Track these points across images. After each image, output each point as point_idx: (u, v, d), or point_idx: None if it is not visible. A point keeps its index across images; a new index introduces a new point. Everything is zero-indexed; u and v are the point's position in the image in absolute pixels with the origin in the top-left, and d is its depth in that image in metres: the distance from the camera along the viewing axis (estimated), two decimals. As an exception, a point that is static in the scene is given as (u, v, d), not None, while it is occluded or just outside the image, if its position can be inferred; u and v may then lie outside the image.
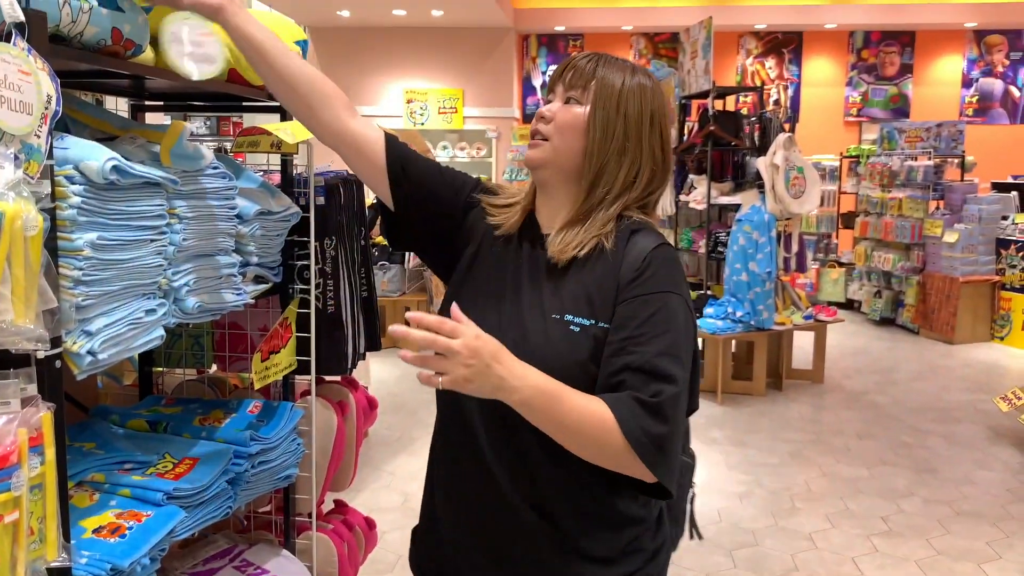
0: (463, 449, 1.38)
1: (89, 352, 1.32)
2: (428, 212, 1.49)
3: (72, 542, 1.29)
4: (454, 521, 1.43)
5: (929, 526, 4.07)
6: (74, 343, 1.30)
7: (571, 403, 1.21)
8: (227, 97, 2.07)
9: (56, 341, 1.25)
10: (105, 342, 1.35)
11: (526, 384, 1.18)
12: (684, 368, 1.26)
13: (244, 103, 2.15)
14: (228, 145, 2.30)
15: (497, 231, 1.44)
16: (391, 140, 1.49)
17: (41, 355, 1.22)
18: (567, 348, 1.29)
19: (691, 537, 1.60)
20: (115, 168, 1.34)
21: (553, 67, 11.29)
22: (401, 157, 1.48)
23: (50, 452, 1.19)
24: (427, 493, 1.52)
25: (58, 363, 1.26)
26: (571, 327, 1.30)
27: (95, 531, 1.44)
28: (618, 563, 1.35)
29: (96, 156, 1.33)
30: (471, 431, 1.35)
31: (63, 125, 1.55)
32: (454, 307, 1.18)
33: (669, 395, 1.22)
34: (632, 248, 1.33)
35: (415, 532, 1.56)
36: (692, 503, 1.57)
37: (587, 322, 1.30)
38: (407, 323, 1.14)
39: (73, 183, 1.30)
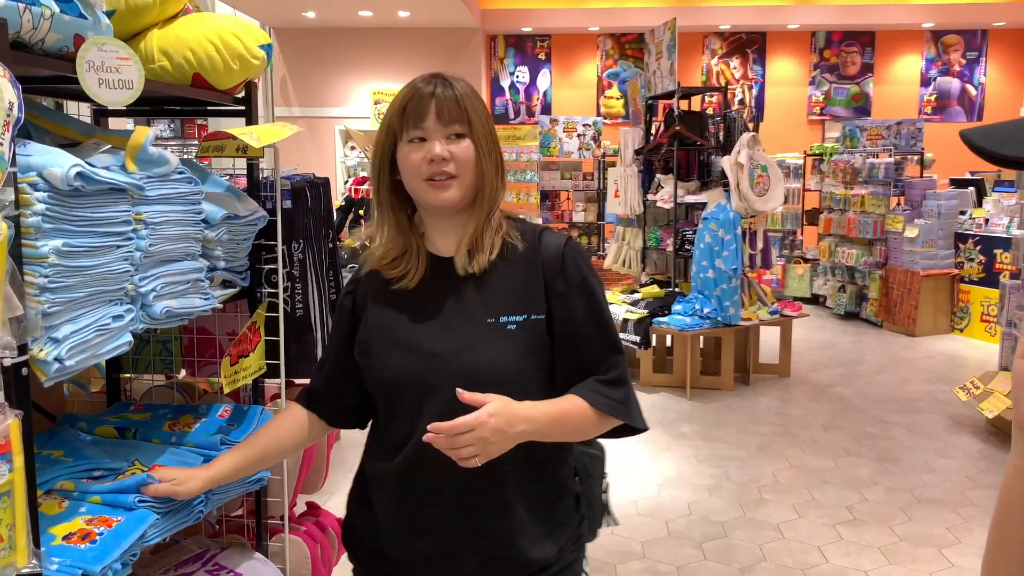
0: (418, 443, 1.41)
1: (56, 359, 1.32)
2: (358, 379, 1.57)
3: (42, 549, 1.29)
4: (402, 497, 1.49)
5: (892, 514, 4.16)
6: (40, 350, 1.30)
7: (567, 414, 1.44)
8: (192, 101, 2.07)
9: (22, 348, 1.26)
10: (72, 349, 1.35)
11: (536, 426, 1.39)
12: (615, 331, 1.54)
13: (209, 107, 2.15)
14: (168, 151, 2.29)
15: (396, 285, 1.50)
16: (310, 408, 1.65)
17: (7, 363, 1.23)
18: (508, 348, 1.44)
19: (607, 524, 1.76)
20: (79, 174, 1.35)
21: (522, 68, 11.26)
22: (323, 405, 1.64)
23: (18, 459, 1.19)
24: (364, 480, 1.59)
25: (24, 370, 1.26)
26: (508, 327, 1.44)
27: (65, 538, 1.44)
28: (553, 535, 1.50)
29: (60, 163, 1.33)
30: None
31: (25, 131, 1.55)
32: (461, 393, 1.32)
33: (619, 364, 1.51)
34: (546, 247, 1.50)
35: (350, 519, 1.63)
36: (607, 492, 1.72)
37: (520, 318, 1.45)
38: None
39: (37, 190, 1.30)
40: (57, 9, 1.42)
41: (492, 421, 1.30)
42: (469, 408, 1.31)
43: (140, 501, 1.58)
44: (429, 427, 1.27)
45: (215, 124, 8.60)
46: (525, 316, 1.45)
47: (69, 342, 1.35)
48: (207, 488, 1.62)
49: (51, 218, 1.32)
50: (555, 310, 1.47)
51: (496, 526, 1.45)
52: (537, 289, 1.47)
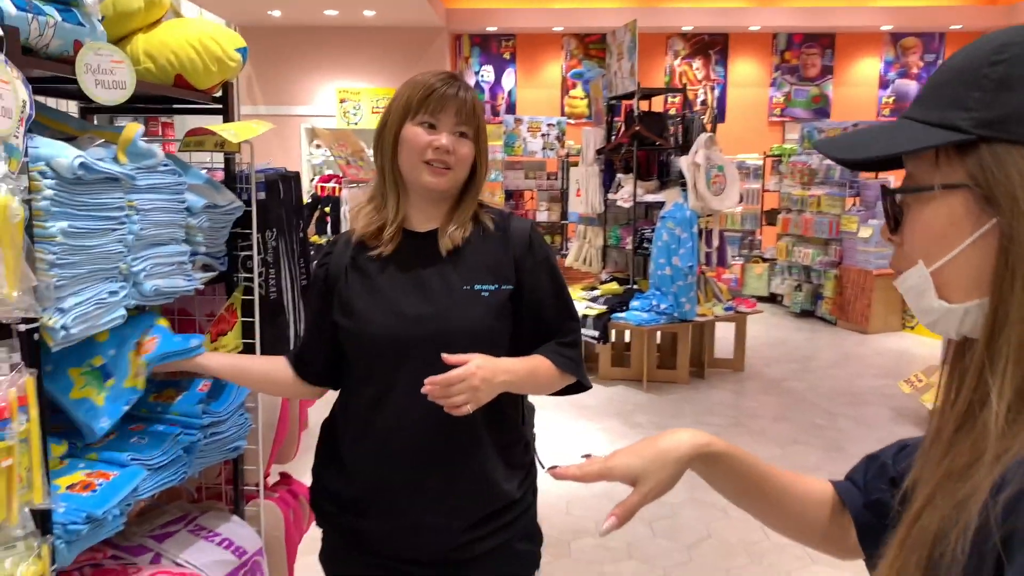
0: (406, 397, 1.62)
1: (63, 327, 1.50)
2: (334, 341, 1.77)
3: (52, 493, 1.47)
4: (379, 448, 1.68)
5: (833, 495, 4.42)
6: (50, 319, 1.48)
7: (536, 370, 1.68)
8: (171, 100, 2.24)
9: (34, 317, 1.43)
10: (76, 318, 1.53)
11: (515, 377, 1.60)
12: (572, 301, 1.81)
13: (189, 106, 2.32)
14: (156, 145, 2.45)
15: (372, 252, 1.72)
16: (294, 367, 1.85)
17: (22, 328, 1.40)
18: (482, 312, 1.67)
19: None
20: (82, 165, 1.53)
21: (487, 67, 11.38)
22: (303, 363, 1.84)
23: (34, 411, 1.37)
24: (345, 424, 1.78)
25: (36, 336, 1.44)
26: (482, 294, 1.67)
27: (69, 487, 1.62)
28: (514, 475, 1.76)
29: (65, 154, 1.51)
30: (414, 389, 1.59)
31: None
32: (446, 356, 1.50)
33: (575, 330, 1.80)
34: (515, 230, 1.75)
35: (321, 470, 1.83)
36: (534, 441, 1.95)
37: (492, 287, 1.69)
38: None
39: (46, 178, 1.48)
40: (60, 18, 1.59)
41: (480, 372, 1.51)
42: (444, 368, 1.49)
43: (132, 459, 1.76)
44: (426, 380, 1.47)
45: (181, 122, 8.70)
46: (497, 286, 1.69)
47: (73, 312, 1.53)
48: (222, 372, 1.87)
49: (58, 203, 1.50)
50: (524, 282, 1.72)
51: (471, 464, 1.67)
52: (508, 263, 1.71)
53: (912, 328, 8.79)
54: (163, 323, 1.92)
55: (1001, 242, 0.70)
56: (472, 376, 1.49)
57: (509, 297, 1.70)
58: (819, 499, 1.06)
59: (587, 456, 1.06)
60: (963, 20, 12.19)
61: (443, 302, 1.66)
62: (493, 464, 1.70)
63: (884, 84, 12.97)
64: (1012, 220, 0.69)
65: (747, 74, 13.08)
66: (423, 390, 1.48)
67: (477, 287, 1.68)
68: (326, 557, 1.85)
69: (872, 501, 1.00)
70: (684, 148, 6.95)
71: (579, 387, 1.82)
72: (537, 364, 1.69)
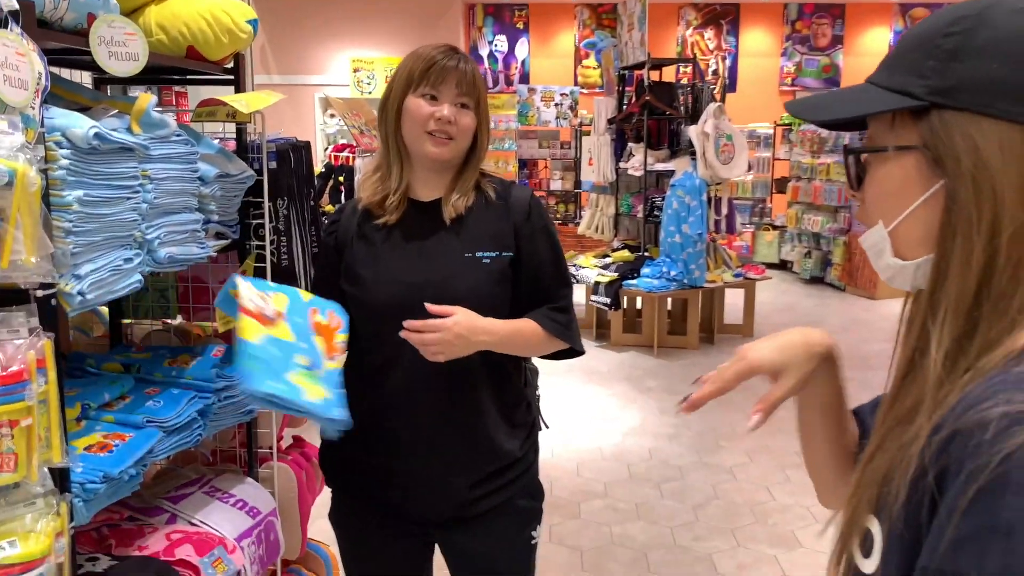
0: (412, 362, 1.67)
1: (79, 293, 1.55)
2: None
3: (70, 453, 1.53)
4: (384, 406, 1.74)
5: (839, 460, 4.48)
6: (66, 284, 1.53)
7: (521, 331, 1.71)
8: (183, 71, 2.28)
9: (51, 283, 1.49)
10: (92, 284, 1.58)
11: (496, 337, 1.66)
12: (568, 268, 1.87)
13: (201, 76, 2.36)
14: (169, 115, 2.50)
15: (378, 221, 1.76)
16: None
17: (40, 294, 1.46)
18: (484, 277, 1.72)
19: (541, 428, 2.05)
20: (97, 135, 1.57)
21: (500, 37, 11.36)
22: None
23: (52, 374, 1.43)
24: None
25: (53, 301, 1.49)
26: (483, 261, 1.71)
27: (86, 448, 1.68)
28: (516, 433, 1.82)
29: (80, 124, 1.55)
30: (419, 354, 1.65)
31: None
32: (429, 306, 1.59)
33: (568, 296, 1.83)
34: (516, 199, 1.79)
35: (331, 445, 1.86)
36: (538, 401, 1.99)
37: (493, 254, 1.73)
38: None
39: (61, 148, 1.52)
40: (73, -10, 1.63)
41: (456, 328, 1.58)
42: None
43: (148, 421, 1.82)
44: (405, 323, 1.56)
45: (195, 92, 8.73)
46: (498, 252, 1.73)
47: (89, 278, 1.57)
48: None
49: (73, 172, 1.54)
50: (522, 249, 1.75)
51: (475, 424, 1.73)
52: (508, 231, 1.75)
53: (923, 296, 8.78)
54: (305, 295, 1.76)
55: (946, 202, 0.75)
56: (448, 329, 1.57)
57: (510, 264, 1.75)
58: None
59: (698, 380, 1.08)
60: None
61: (446, 269, 1.71)
62: (496, 424, 1.76)
63: (896, 52, 12.84)
64: (955, 182, 0.74)
65: (758, 44, 12.97)
66: (401, 333, 1.58)
67: (479, 254, 1.72)
68: (335, 516, 1.91)
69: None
70: (694, 118, 6.94)
71: (572, 352, 1.84)
72: (522, 327, 1.72)
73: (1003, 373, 0.68)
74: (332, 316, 1.73)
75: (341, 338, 1.70)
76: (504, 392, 1.79)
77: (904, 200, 0.80)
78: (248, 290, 1.64)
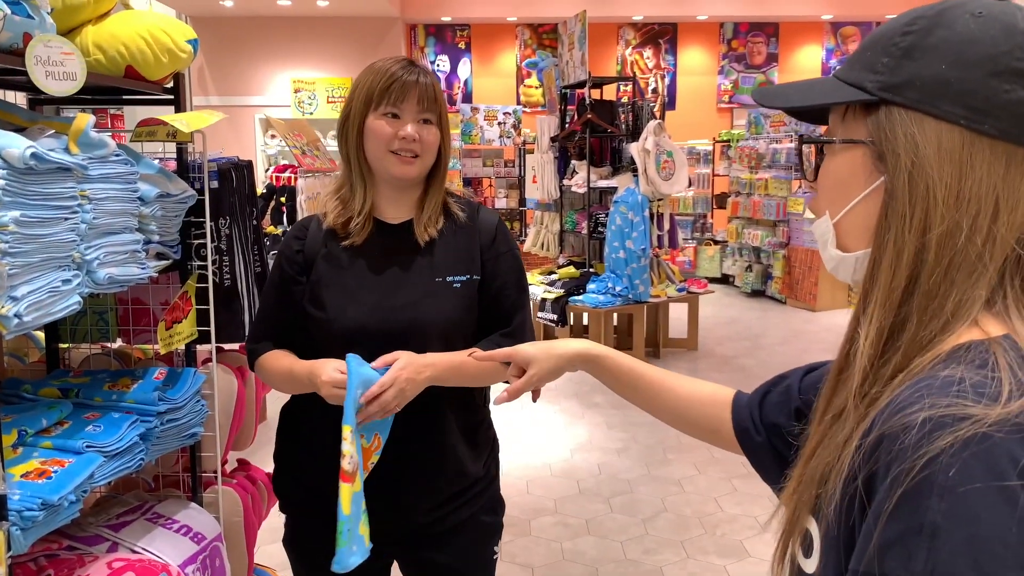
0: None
1: (16, 315, 1.52)
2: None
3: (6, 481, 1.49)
4: None
5: (783, 469, 4.56)
6: (2, 307, 1.50)
7: (464, 363, 1.65)
8: (122, 91, 2.25)
9: (-13, 305, 1.45)
10: (29, 307, 1.55)
11: (438, 371, 1.64)
12: (528, 291, 1.85)
13: (140, 96, 2.33)
14: (107, 135, 2.46)
15: (344, 242, 1.73)
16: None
17: (-25, 317, 1.42)
18: (455, 303, 1.71)
19: None
20: (34, 155, 1.54)
21: (442, 57, 11.36)
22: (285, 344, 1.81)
23: (-11, 398, 1.39)
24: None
25: (-10, 324, 1.46)
26: (454, 285, 1.71)
27: (23, 475, 1.64)
28: (479, 454, 1.83)
29: (17, 144, 1.52)
30: None
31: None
32: (385, 357, 1.60)
33: (522, 322, 1.80)
34: (483, 221, 1.80)
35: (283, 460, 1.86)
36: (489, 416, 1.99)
37: (464, 278, 1.73)
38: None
39: (-3, 168, 1.49)
40: (9, 11, 1.60)
41: (403, 374, 1.57)
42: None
43: (88, 446, 1.78)
44: (362, 400, 1.55)
45: (130, 113, 8.59)
46: (468, 276, 1.73)
47: (26, 300, 1.54)
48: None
49: (10, 192, 1.51)
50: (487, 272, 1.75)
51: (438, 448, 1.72)
52: (476, 254, 1.75)
53: (860, 307, 9.01)
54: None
55: (884, 197, 0.77)
56: (397, 380, 1.56)
57: (477, 287, 1.74)
58: (714, 400, 1.24)
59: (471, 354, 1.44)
60: (899, 10, 12.24)
61: (416, 293, 1.69)
62: (460, 447, 1.75)
63: (826, 71, 13.25)
64: (894, 177, 0.76)
65: (696, 62, 13.27)
66: (366, 415, 1.57)
67: (449, 278, 1.71)
68: (290, 540, 1.88)
69: (770, 424, 1.09)
70: (635, 135, 7.05)
71: None
72: (466, 359, 1.63)
73: (930, 377, 0.70)
74: (376, 439, 1.68)
75: (375, 459, 1.67)
76: (468, 412, 1.79)
77: (849, 193, 0.82)
78: (351, 445, 1.57)
